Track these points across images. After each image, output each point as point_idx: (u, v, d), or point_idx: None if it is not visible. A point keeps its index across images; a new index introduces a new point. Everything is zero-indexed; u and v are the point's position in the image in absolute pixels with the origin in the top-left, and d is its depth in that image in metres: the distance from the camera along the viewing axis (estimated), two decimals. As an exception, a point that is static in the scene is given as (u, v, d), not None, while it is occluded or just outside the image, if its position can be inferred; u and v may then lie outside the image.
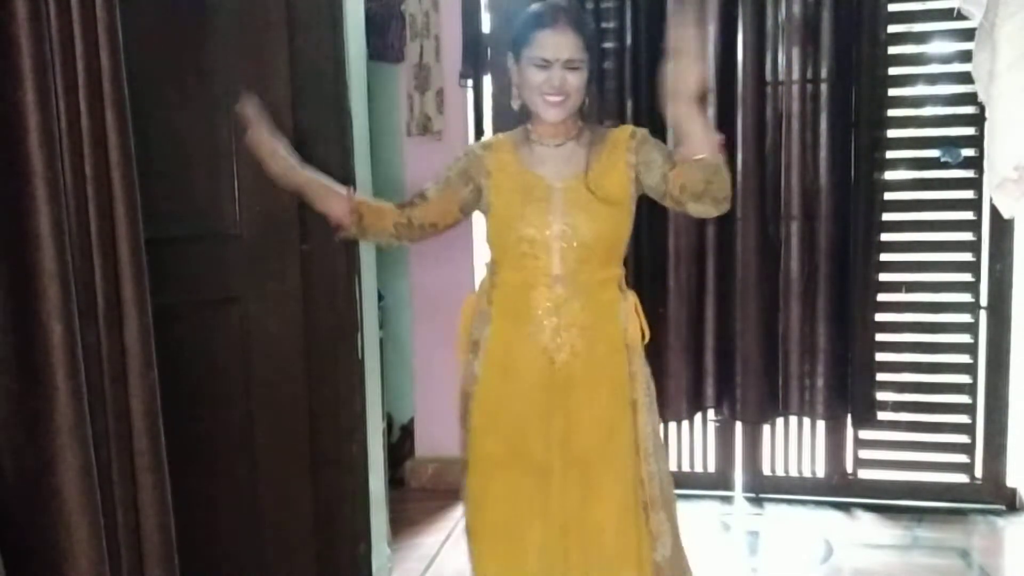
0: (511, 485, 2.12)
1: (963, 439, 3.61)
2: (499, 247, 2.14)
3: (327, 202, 2.19)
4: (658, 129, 3.54)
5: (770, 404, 3.64)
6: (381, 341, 2.97)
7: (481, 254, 3.66)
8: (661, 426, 2.23)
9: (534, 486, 2.10)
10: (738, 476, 3.82)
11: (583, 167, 2.09)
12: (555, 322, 2.07)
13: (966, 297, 3.56)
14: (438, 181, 2.20)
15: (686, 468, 3.83)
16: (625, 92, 3.58)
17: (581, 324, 2.07)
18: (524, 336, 2.09)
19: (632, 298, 2.17)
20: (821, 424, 3.69)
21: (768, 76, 3.51)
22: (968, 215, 3.53)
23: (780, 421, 3.74)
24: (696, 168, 1.97)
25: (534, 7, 2.11)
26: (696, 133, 1.95)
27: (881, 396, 3.59)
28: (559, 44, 2.01)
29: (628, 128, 2.18)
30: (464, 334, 2.21)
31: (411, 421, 4.06)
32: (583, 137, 2.14)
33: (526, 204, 2.07)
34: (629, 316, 2.14)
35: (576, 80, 2.04)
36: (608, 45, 3.62)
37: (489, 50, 3.73)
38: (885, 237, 3.54)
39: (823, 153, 3.49)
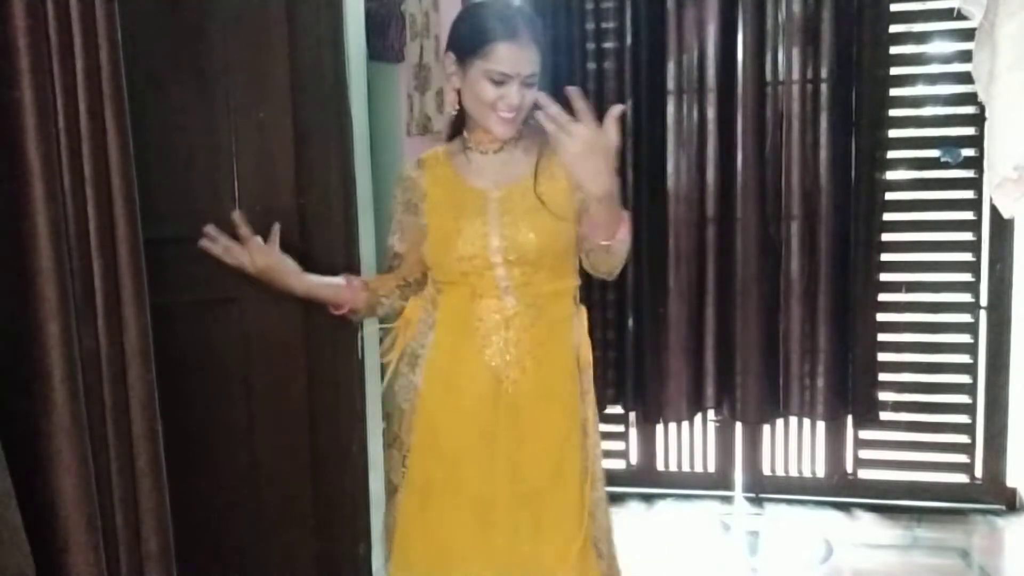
0: (446, 517, 1.93)
1: (963, 439, 3.61)
2: (439, 268, 1.95)
3: (337, 297, 2.00)
4: (657, 130, 3.60)
5: (770, 404, 3.64)
6: (381, 341, 2.96)
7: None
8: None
9: (472, 521, 1.90)
10: (738, 476, 3.82)
11: (522, 172, 1.90)
12: (504, 337, 1.88)
13: (966, 297, 3.56)
14: (395, 230, 2.02)
15: (686, 468, 3.84)
16: (625, 92, 3.59)
17: (532, 340, 1.88)
18: (470, 351, 1.90)
19: (582, 311, 1.99)
20: (821, 424, 3.69)
21: (768, 76, 3.52)
22: (968, 215, 3.53)
23: (780, 421, 3.74)
24: (598, 249, 1.85)
25: (488, 8, 1.86)
26: (603, 220, 1.76)
27: (881, 396, 3.59)
28: (521, 59, 1.80)
29: None
30: (402, 341, 2.03)
31: (411, 421, 4.05)
32: (523, 140, 1.93)
33: (460, 219, 1.88)
34: (582, 334, 1.97)
35: (532, 95, 1.82)
36: (608, 45, 3.63)
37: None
38: (885, 237, 3.54)
39: (823, 153, 3.49)
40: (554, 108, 1.65)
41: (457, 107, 1.92)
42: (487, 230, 1.87)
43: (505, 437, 1.90)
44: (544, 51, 1.86)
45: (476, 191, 1.91)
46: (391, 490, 2.04)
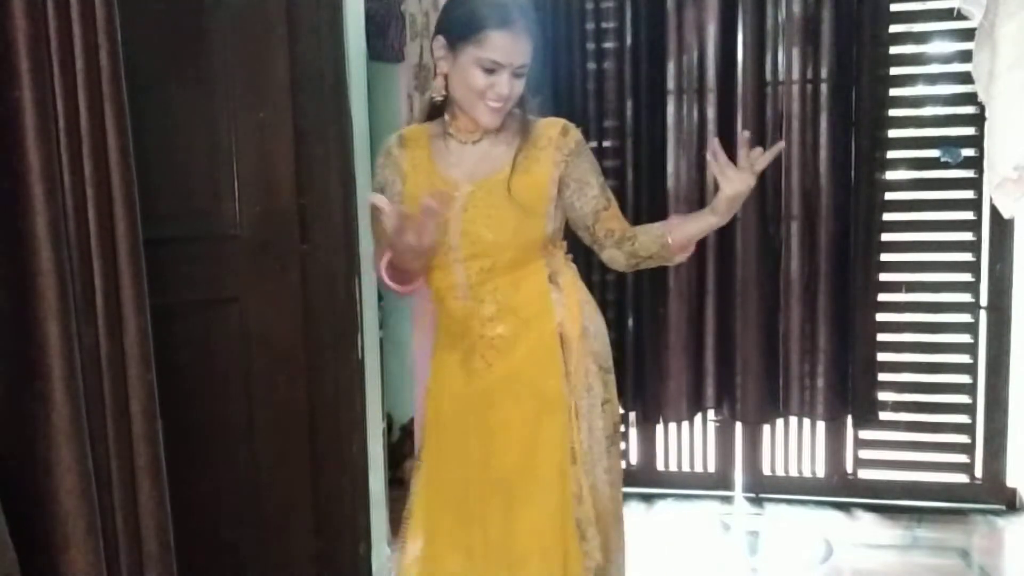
0: (439, 512, 1.96)
1: (963, 439, 3.61)
2: None
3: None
4: (657, 130, 3.60)
5: (770, 404, 3.64)
6: (381, 341, 2.97)
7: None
8: (620, 427, 2.02)
9: (454, 516, 1.94)
10: (738, 476, 3.81)
11: (498, 166, 1.87)
12: (466, 332, 1.90)
13: (966, 297, 3.56)
14: (396, 199, 1.92)
15: (686, 468, 3.84)
16: (625, 92, 3.59)
17: (492, 333, 1.88)
18: (446, 348, 1.95)
19: (573, 291, 1.95)
20: (821, 424, 3.69)
21: (768, 76, 3.52)
22: (968, 215, 3.52)
23: (780, 421, 3.74)
24: (658, 248, 1.88)
25: None
26: (695, 238, 1.88)
27: (881, 396, 3.59)
28: (514, 49, 1.78)
29: (559, 123, 1.91)
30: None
31: (411, 421, 4.04)
32: (505, 132, 1.90)
33: None
34: (567, 309, 1.92)
35: (520, 85, 1.83)
36: (608, 45, 3.63)
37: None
38: (885, 237, 3.53)
39: (823, 153, 3.49)
40: (766, 157, 1.78)
41: (444, 93, 1.89)
42: (448, 228, 1.84)
43: (477, 429, 1.92)
44: (537, 42, 1.83)
45: (449, 183, 1.88)
46: None
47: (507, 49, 1.77)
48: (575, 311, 1.93)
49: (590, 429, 1.91)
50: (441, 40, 1.84)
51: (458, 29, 1.81)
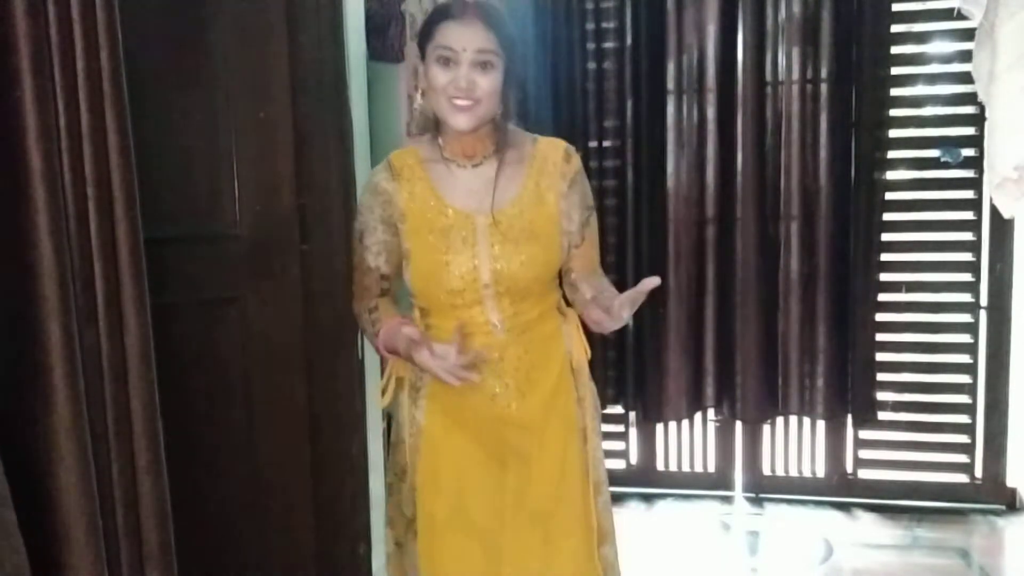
0: (457, 550, 1.91)
1: (963, 439, 3.61)
2: (425, 298, 1.89)
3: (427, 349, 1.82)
4: (657, 130, 3.60)
5: (770, 404, 3.65)
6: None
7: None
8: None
9: (480, 552, 1.89)
10: (738, 476, 3.82)
11: (510, 195, 1.84)
12: (500, 369, 1.85)
13: (966, 297, 3.56)
14: (378, 251, 1.90)
15: (686, 468, 3.84)
16: (625, 92, 3.59)
17: (528, 367, 1.87)
18: (468, 386, 1.81)
19: (574, 318, 1.96)
20: (821, 424, 3.69)
21: (768, 76, 3.52)
22: (968, 215, 3.53)
23: (780, 421, 3.74)
24: (581, 311, 1.90)
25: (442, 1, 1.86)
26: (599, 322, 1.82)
27: (881, 396, 3.60)
28: (465, 35, 1.75)
29: (561, 146, 1.90)
30: (395, 373, 1.99)
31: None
32: (505, 153, 1.86)
33: (449, 250, 1.82)
34: (573, 338, 1.95)
35: (488, 82, 1.76)
36: (608, 45, 3.63)
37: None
38: (885, 237, 3.54)
39: (823, 153, 3.50)
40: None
41: (420, 100, 1.86)
42: (477, 263, 1.81)
43: (513, 464, 1.90)
44: (507, 40, 1.79)
45: (462, 215, 1.84)
46: (404, 521, 2.02)
47: (457, 35, 1.76)
48: (578, 337, 1.95)
49: (595, 447, 1.95)
50: (419, 58, 1.86)
51: (422, 36, 1.83)
